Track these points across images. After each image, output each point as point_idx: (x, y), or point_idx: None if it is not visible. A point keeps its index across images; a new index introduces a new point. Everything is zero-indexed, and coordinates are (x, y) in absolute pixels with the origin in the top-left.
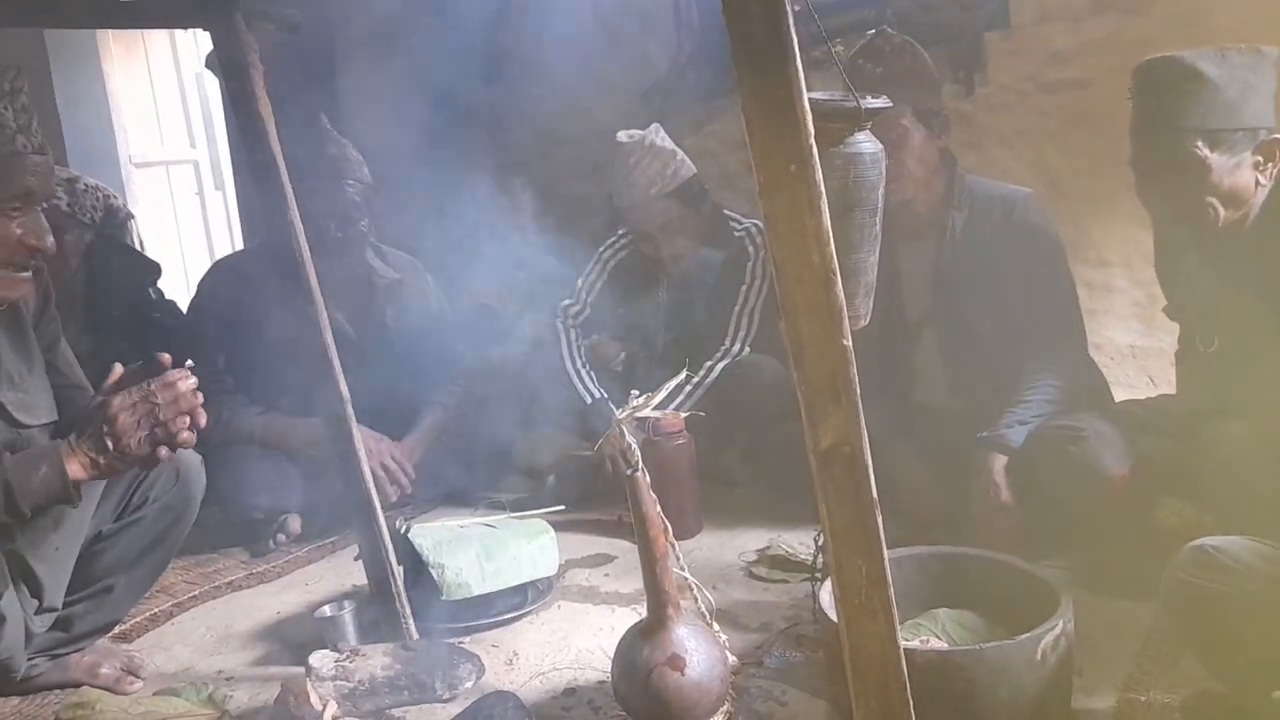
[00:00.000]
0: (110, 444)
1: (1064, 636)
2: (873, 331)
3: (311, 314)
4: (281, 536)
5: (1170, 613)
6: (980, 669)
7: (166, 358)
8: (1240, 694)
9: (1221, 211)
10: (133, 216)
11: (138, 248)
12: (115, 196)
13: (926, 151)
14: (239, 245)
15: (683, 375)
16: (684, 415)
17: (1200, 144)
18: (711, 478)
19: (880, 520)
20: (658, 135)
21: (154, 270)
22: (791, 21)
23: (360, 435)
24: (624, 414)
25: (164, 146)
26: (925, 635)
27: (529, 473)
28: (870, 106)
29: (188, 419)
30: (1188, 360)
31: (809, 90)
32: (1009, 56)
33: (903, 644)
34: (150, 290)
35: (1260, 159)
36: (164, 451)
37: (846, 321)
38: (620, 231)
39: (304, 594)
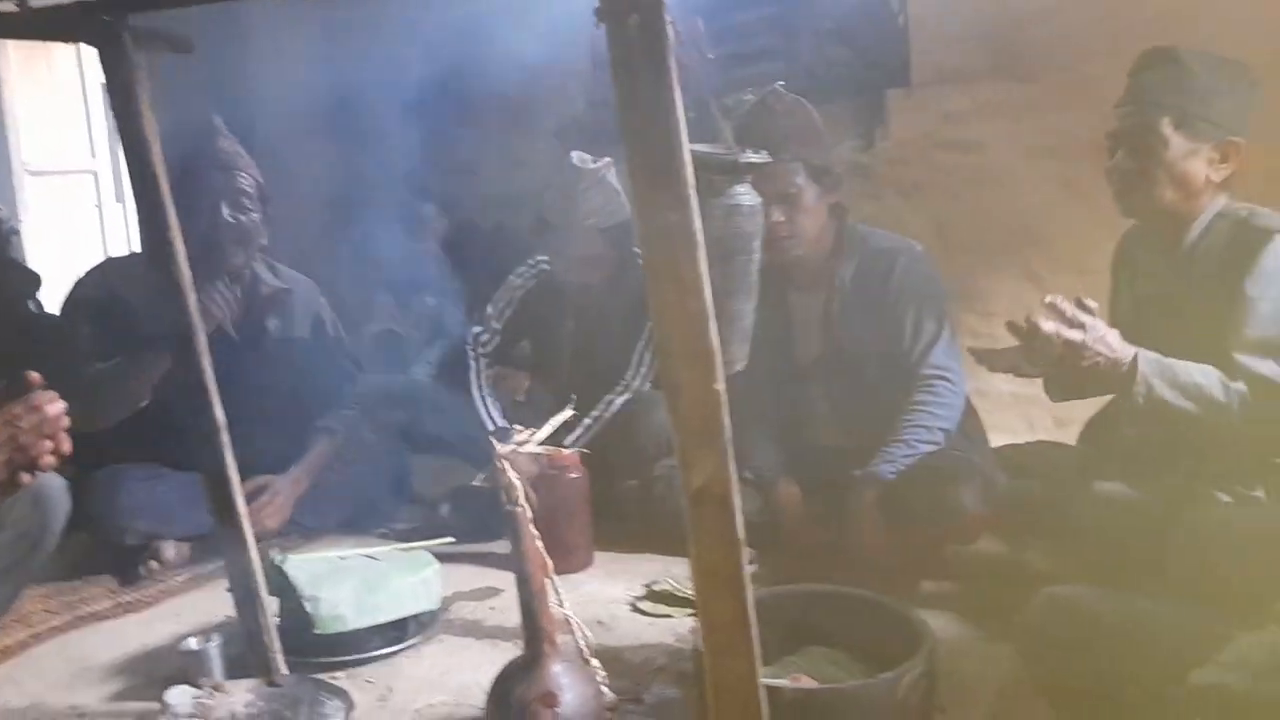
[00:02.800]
0: None
1: (925, 676)
2: (766, 374)
3: (189, 334)
4: (154, 564)
5: (1022, 658)
6: (844, 707)
7: (35, 377)
8: None
9: (1166, 192)
10: (16, 231)
11: (18, 260)
12: (1, 207)
13: (818, 208)
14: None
15: (569, 412)
16: (577, 450)
17: (1166, 121)
18: (606, 511)
19: (748, 561)
20: (610, 172)
21: (33, 282)
22: (675, 75)
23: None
24: (506, 449)
25: (62, 155)
26: (797, 673)
27: (425, 501)
28: (749, 160)
29: (50, 443)
30: None
31: (692, 142)
32: (909, 113)
33: (772, 681)
34: (30, 303)
35: (1216, 156)
36: (25, 477)
37: (720, 367)
38: (530, 261)
39: (175, 625)
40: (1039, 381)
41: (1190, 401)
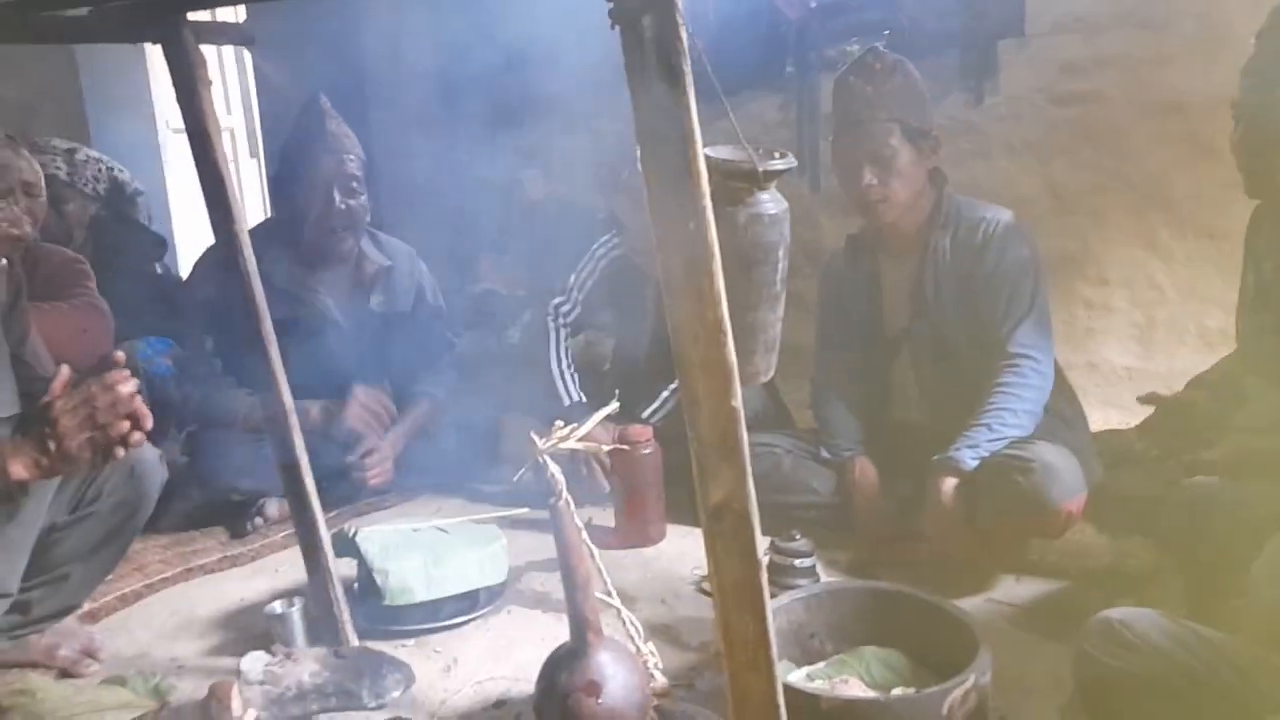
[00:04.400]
0: (52, 445)
1: (975, 691)
2: (851, 343)
3: (253, 318)
4: (260, 519)
5: (1076, 682)
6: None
7: (120, 356)
8: None
9: None
10: (142, 192)
11: (145, 223)
12: (123, 171)
13: (913, 172)
14: (270, 213)
15: (615, 406)
16: (653, 424)
17: None
18: (682, 484)
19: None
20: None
21: (160, 245)
22: (690, 78)
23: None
24: (546, 445)
25: None
26: (847, 674)
27: (515, 463)
28: (771, 168)
29: (128, 422)
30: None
31: (712, 146)
32: (1022, 66)
33: (810, 687)
34: (156, 265)
35: None
36: (119, 451)
37: (737, 381)
38: (614, 231)
39: (272, 580)
40: (1157, 354)
41: None
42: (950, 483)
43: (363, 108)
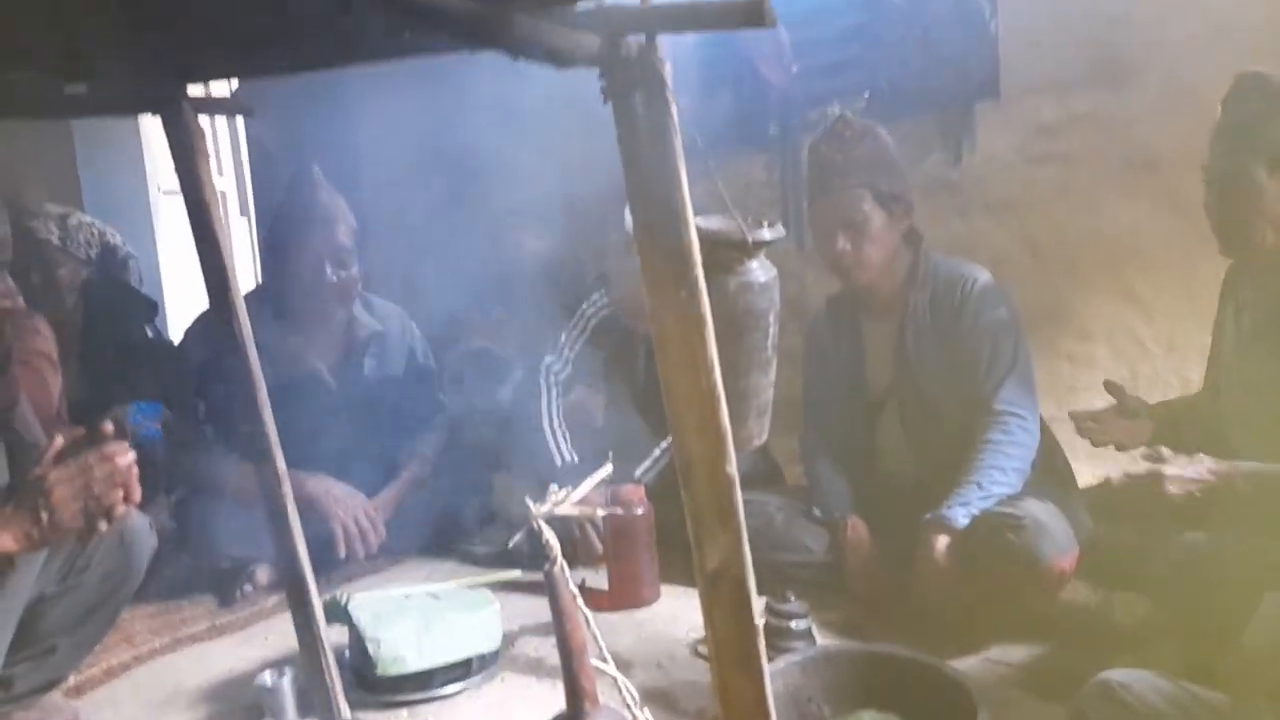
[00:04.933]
0: (45, 516)
1: None
2: (839, 404)
3: (250, 390)
4: (249, 587)
5: None
6: None
7: (109, 427)
8: None
9: (1266, 236)
10: (133, 256)
11: (136, 286)
12: (114, 235)
13: (886, 236)
14: (260, 278)
15: (608, 469)
16: (645, 482)
17: (1262, 165)
18: (674, 544)
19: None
20: None
21: (151, 308)
22: (680, 152)
23: (334, 489)
24: (542, 510)
25: None
26: None
27: (506, 524)
28: (759, 238)
29: (121, 492)
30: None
31: (704, 216)
32: (998, 127)
33: None
34: (146, 328)
35: None
36: (103, 525)
37: (731, 447)
38: (603, 290)
39: (261, 649)
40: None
41: None
42: (943, 541)
43: (354, 168)
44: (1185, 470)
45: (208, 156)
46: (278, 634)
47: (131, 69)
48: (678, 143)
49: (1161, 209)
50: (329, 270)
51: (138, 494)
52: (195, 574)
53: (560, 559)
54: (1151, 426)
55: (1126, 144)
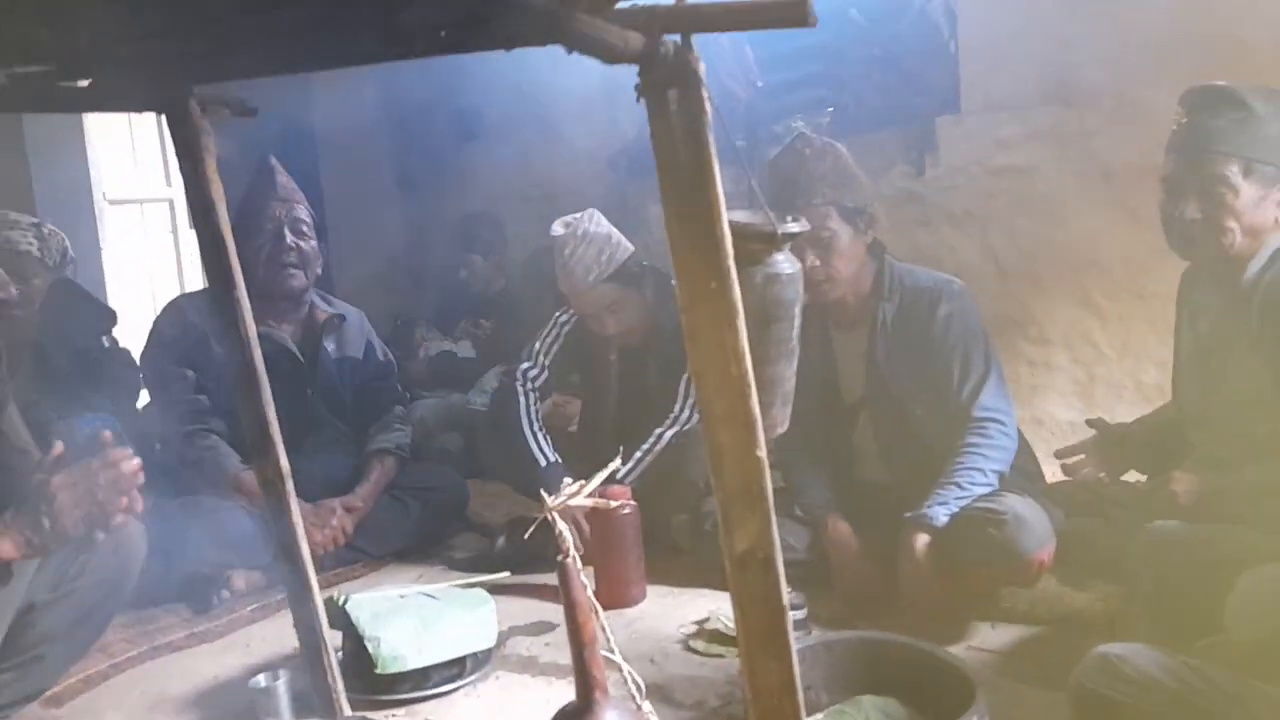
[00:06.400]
0: (47, 523)
1: None
2: (814, 413)
3: (252, 385)
4: (225, 593)
5: (1073, 715)
6: None
7: (108, 435)
8: None
9: (1239, 238)
10: (73, 260)
11: (93, 295)
12: (65, 239)
13: (853, 249)
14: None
15: (618, 462)
16: (628, 484)
17: (1234, 169)
18: (658, 544)
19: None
20: (591, 221)
21: (110, 318)
22: (714, 148)
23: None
24: (556, 502)
25: (139, 183)
26: None
27: (482, 529)
28: (787, 231)
29: (124, 500)
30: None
31: (732, 210)
32: (959, 140)
33: None
34: (104, 338)
35: None
36: (100, 536)
37: (761, 432)
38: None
39: (244, 656)
40: (1097, 408)
41: None
42: (923, 539)
43: (314, 178)
44: None
45: (214, 155)
46: (259, 640)
47: (138, 68)
48: (711, 138)
49: (1116, 219)
50: (289, 235)
51: (140, 504)
52: (163, 582)
53: (573, 551)
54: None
55: (1082, 157)
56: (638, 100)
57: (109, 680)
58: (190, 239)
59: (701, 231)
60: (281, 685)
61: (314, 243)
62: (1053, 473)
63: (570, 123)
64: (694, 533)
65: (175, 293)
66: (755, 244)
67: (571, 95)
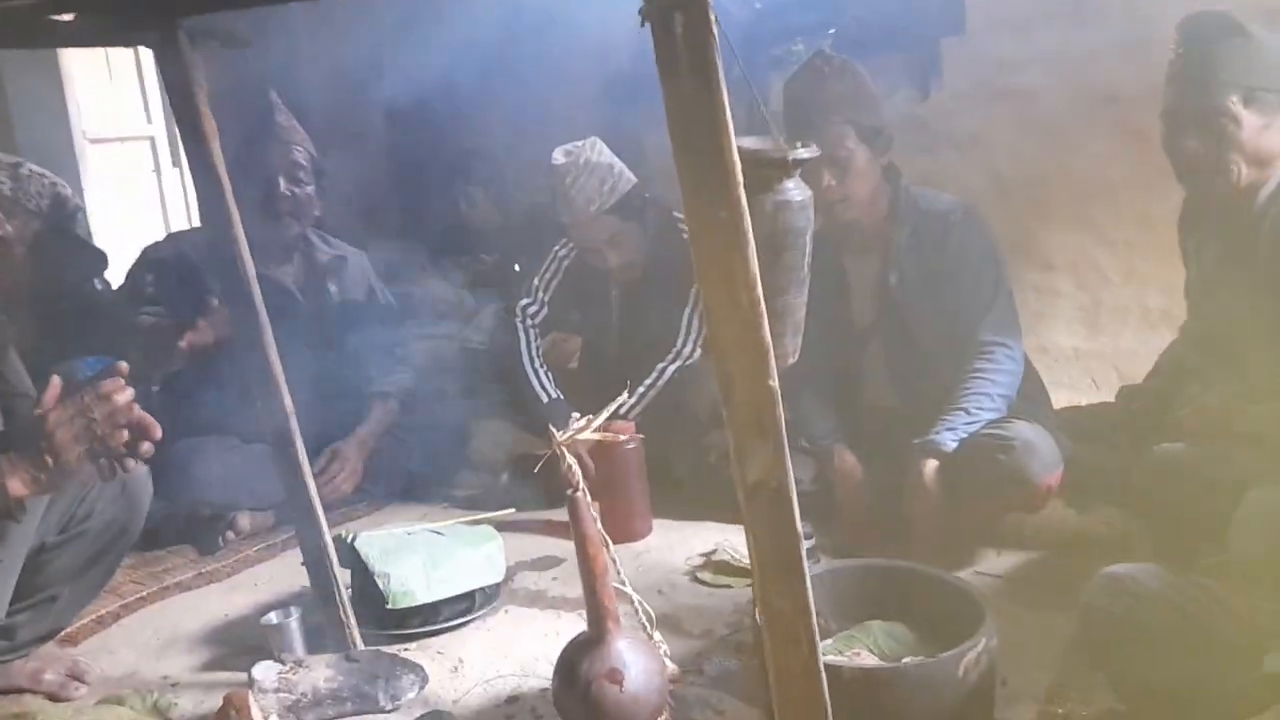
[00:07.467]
0: (49, 460)
1: (986, 653)
2: (824, 339)
3: (253, 323)
4: (230, 534)
5: (1082, 634)
6: (904, 685)
7: (124, 366)
8: (1139, 717)
9: (1244, 170)
10: (81, 209)
11: (85, 239)
12: (65, 186)
13: (870, 170)
14: (195, 224)
15: (625, 396)
16: (632, 419)
17: (1235, 99)
18: (662, 478)
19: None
20: (593, 150)
21: (101, 261)
22: (722, 73)
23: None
24: (565, 437)
25: (120, 121)
26: (857, 648)
27: (484, 467)
28: (798, 157)
29: (125, 432)
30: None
31: (740, 136)
32: (963, 63)
33: (831, 658)
34: (96, 282)
35: None
36: (129, 463)
37: (773, 362)
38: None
39: (252, 595)
40: (1102, 335)
41: None
42: (932, 465)
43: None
44: None
45: (204, 89)
46: (267, 580)
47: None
48: (719, 63)
49: (1121, 143)
50: (283, 184)
51: (157, 430)
52: (166, 524)
53: (583, 485)
54: None
55: (1088, 80)
56: (641, 25)
57: (120, 620)
58: (173, 177)
59: (710, 159)
60: (294, 621)
61: (310, 188)
62: (1056, 399)
63: (564, 53)
64: (697, 467)
65: (159, 230)
66: (765, 170)
67: (565, 23)
